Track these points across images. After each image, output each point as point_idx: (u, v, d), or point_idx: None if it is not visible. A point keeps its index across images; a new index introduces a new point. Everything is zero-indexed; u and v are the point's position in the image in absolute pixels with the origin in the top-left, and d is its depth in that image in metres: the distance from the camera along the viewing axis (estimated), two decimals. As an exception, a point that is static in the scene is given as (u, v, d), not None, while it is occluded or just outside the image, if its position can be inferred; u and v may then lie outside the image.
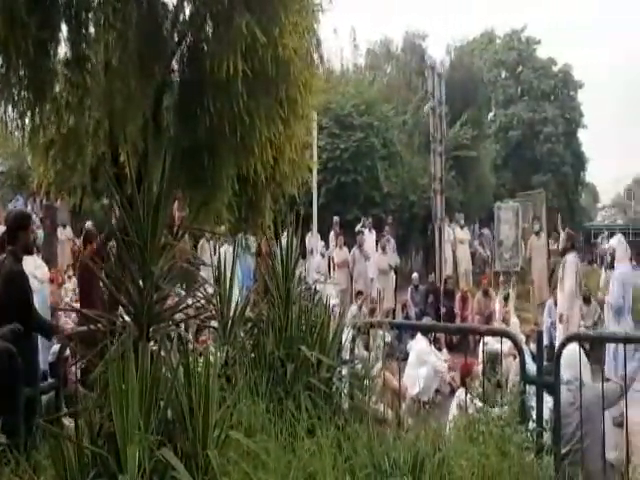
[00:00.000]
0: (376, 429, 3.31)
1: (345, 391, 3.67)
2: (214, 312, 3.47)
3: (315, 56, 3.87)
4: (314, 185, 11.40)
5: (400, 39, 25.92)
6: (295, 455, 2.66)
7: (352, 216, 15.64)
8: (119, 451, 2.36)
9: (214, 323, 3.57)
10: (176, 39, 3.74)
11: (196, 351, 2.92)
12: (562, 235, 11.29)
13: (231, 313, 3.49)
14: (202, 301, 3.39)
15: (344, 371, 3.73)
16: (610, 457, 4.08)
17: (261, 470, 2.55)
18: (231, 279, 3.55)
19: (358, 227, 13.79)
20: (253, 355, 3.43)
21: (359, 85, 19.68)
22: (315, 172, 11.26)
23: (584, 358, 4.34)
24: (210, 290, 3.52)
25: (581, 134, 39.66)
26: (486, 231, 18.61)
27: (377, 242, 12.91)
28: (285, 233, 3.80)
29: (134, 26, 3.56)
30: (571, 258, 8.58)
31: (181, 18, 3.77)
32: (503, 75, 39.84)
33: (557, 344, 4.11)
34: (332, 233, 13.56)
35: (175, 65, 3.73)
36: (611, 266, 8.74)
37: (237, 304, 3.58)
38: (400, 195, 17.52)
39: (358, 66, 24.94)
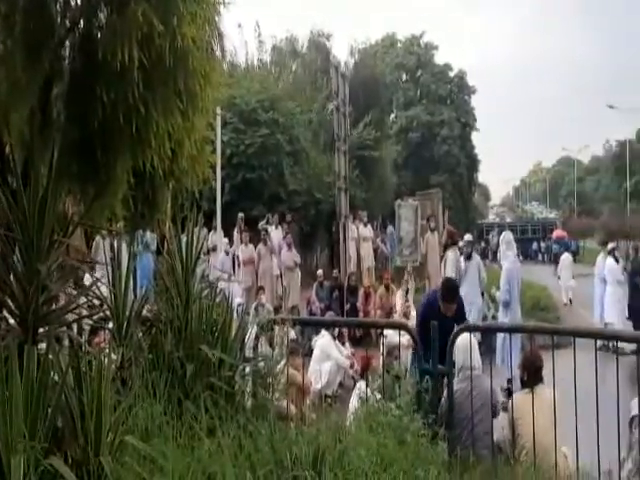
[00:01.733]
0: (279, 425, 3.32)
1: (248, 389, 3.64)
2: (109, 312, 3.32)
3: (216, 48, 3.78)
4: (218, 181, 11.23)
5: (305, 37, 26.14)
6: (194, 457, 2.61)
7: (257, 213, 15.58)
8: (2, 462, 2.20)
9: (110, 324, 3.42)
10: (67, 25, 3.52)
11: (89, 353, 2.79)
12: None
13: (127, 313, 3.35)
14: (96, 301, 3.23)
15: (247, 369, 3.71)
16: (499, 440, 4.35)
17: (158, 474, 2.48)
18: (127, 278, 3.42)
19: (262, 224, 13.74)
20: (150, 356, 3.32)
21: (264, 81, 19.62)
22: (219, 168, 11.10)
23: (475, 348, 4.60)
24: (105, 290, 3.37)
25: (474, 137, 42.07)
26: (391, 228, 19.20)
27: (283, 239, 12.99)
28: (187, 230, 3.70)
29: (21, 10, 3.31)
30: (451, 255, 9.08)
31: (73, 3, 3.56)
32: (404, 78, 41.32)
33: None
34: (236, 230, 13.42)
35: (66, 53, 3.51)
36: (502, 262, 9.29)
37: (133, 304, 3.45)
38: (306, 192, 17.67)
39: (263, 62, 24.87)
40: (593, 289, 12.62)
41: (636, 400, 3.78)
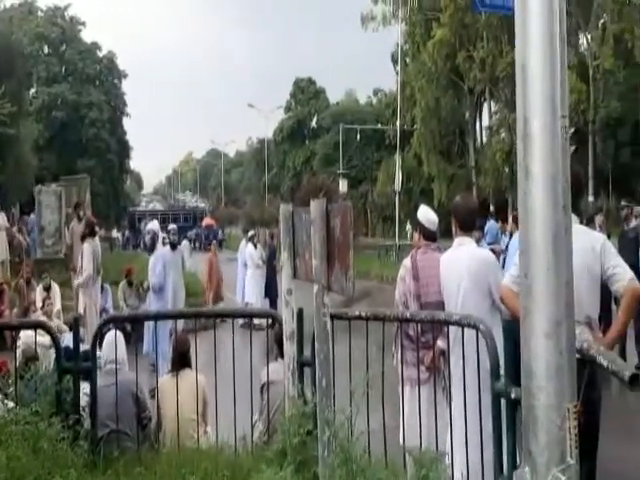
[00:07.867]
0: None
1: None
2: None
3: None
4: None
5: None
6: None
7: None
8: None
9: None
10: None
11: None
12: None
13: None
14: None
15: None
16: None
17: None
18: None
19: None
20: None
21: None
22: None
23: (121, 339, 4.52)
24: None
25: (126, 123, 41.30)
26: (30, 217, 17.34)
27: None
28: None
29: None
30: (87, 246, 8.82)
31: None
32: (46, 51, 37.82)
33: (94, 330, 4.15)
34: None
35: None
36: (151, 249, 9.31)
37: None
38: None
39: None
40: (236, 272, 13.79)
41: (265, 369, 4.24)
